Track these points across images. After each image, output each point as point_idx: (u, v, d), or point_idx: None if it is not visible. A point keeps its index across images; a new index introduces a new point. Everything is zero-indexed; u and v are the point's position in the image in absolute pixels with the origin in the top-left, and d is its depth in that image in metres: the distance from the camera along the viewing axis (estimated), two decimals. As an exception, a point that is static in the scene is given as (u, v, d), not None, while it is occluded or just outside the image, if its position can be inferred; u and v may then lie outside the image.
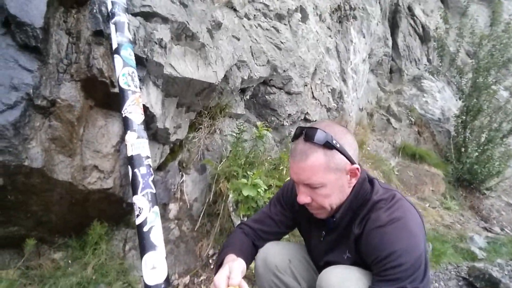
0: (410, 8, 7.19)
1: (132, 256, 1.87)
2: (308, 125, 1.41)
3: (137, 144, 1.28)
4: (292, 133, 3.26)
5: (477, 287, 2.62)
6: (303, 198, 1.07)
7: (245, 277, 1.23)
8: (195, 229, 2.25)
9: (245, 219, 2.22)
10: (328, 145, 1.01)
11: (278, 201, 1.36)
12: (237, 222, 2.18)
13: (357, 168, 1.07)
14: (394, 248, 0.96)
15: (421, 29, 7.35)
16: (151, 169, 1.28)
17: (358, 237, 1.08)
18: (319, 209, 1.10)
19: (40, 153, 1.40)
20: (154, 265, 1.12)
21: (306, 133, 1.03)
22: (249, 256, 1.26)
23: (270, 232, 1.33)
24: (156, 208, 1.22)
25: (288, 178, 2.61)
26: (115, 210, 1.78)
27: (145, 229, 1.15)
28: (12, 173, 1.34)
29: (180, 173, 2.32)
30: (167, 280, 1.13)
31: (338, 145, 1.02)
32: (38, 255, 1.64)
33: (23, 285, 1.45)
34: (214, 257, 2.18)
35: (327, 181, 1.03)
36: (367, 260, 1.05)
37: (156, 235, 1.17)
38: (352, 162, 1.05)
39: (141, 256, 1.15)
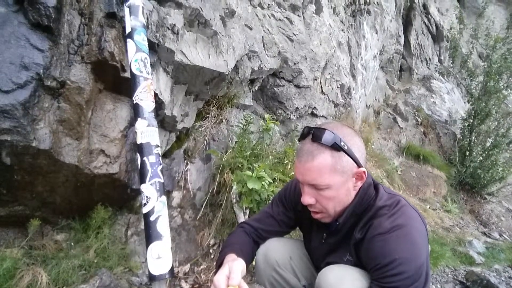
0: (425, 6, 7.05)
1: (134, 241, 1.88)
2: (316, 124, 1.37)
3: (147, 132, 1.26)
4: (299, 127, 3.25)
5: (474, 292, 2.63)
6: (307, 199, 1.05)
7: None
8: (197, 218, 2.26)
9: (247, 211, 2.22)
10: (336, 147, 0.98)
11: (280, 200, 1.34)
12: (239, 213, 2.18)
13: (364, 172, 1.04)
14: (395, 256, 0.94)
15: (434, 28, 7.22)
16: (160, 158, 1.27)
17: (359, 242, 1.07)
18: (322, 212, 1.08)
19: (48, 135, 1.39)
20: (160, 255, 1.12)
21: (314, 133, 1.01)
22: (250, 256, 1.25)
23: (272, 231, 1.32)
24: (164, 198, 1.21)
25: (292, 173, 2.60)
26: (120, 195, 1.78)
27: (152, 218, 1.14)
28: (20, 153, 1.33)
29: (185, 161, 2.31)
30: (172, 270, 1.13)
31: (346, 147, 0.99)
32: (42, 236, 1.65)
33: (26, 264, 1.46)
34: (215, 247, 2.19)
35: (332, 183, 1.01)
36: (367, 266, 1.04)
37: (163, 225, 1.16)
38: (359, 165, 1.03)
39: (147, 246, 1.14)
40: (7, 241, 1.55)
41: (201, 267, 2.07)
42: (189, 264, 2.05)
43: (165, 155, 2.15)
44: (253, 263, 1.33)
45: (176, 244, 2.07)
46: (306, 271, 1.31)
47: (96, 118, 1.60)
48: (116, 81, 1.62)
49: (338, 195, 1.04)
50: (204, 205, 2.29)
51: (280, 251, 1.29)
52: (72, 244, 1.69)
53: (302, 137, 1.07)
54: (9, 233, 1.58)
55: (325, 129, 1.00)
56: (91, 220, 1.71)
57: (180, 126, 2.12)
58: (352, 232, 1.09)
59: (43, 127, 1.37)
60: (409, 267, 0.94)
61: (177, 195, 2.21)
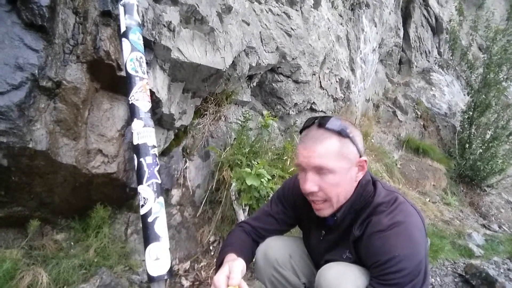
0: (424, -2, 6.98)
1: (134, 240, 1.88)
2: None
3: (144, 132, 1.25)
4: (298, 122, 3.24)
5: (473, 285, 2.64)
6: (311, 186, 1.02)
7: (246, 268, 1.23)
8: (197, 216, 2.26)
9: (247, 208, 2.22)
10: (343, 133, 1.01)
11: (279, 199, 1.34)
12: (238, 210, 2.18)
13: (365, 161, 1.06)
14: (395, 253, 0.95)
15: (434, 20, 7.16)
16: (157, 158, 1.26)
17: (358, 239, 1.07)
18: (325, 201, 1.06)
19: (45, 136, 1.38)
20: (158, 256, 1.12)
21: (321, 120, 1.03)
22: (250, 255, 1.26)
23: (271, 230, 1.32)
24: (161, 199, 1.20)
25: (292, 169, 2.60)
26: (118, 194, 1.78)
27: (149, 219, 1.14)
28: (16, 154, 1.33)
29: (184, 159, 2.30)
30: (170, 271, 1.13)
31: (351, 135, 1.02)
32: (41, 236, 1.65)
33: (26, 265, 1.46)
34: (215, 244, 2.20)
35: (338, 169, 1.00)
36: (367, 263, 1.05)
37: (161, 226, 1.16)
38: (361, 155, 1.05)
39: (145, 247, 1.15)
40: (7, 242, 1.55)
41: (201, 264, 2.08)
42: (189, 262, 2.06)
43: (164, 153, 2.15)
44: (253, 261, 1.33)
45: (176, 242, 2.08)
46: (306, 269, 1.31)
47: (93, 117, 1.59)
48: (112, 80, 1.61)
49: (342, 182, 1.03)
50: (203, 203, 2.29)
51: (280, 250, 1.29)
52: (72, 243, 1.69)
53: (306, 126, 1.07)
54: (9, 234, 1.58)
55: (331, 116, 1.03)
56: (91, 220, 1.72)
57: (178, 124, 2.11)
58: (351, 229, 1.09)
59: (39, 128, 1.37)
60: (408, 264, 0.95)
61: (176, 193, 2.21)
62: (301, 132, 1.10)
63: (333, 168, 1.00)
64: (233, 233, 1.31)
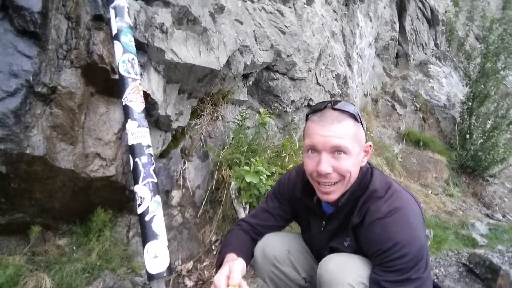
0: (419, -10, 6.96)
1: (135, 242, 1.89)
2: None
3: (138, 133, 1.26)
4: (295, 119, 3.24)
5: (477, 273, 2.64)
6: (326, 167, 1.00)
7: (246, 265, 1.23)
8: (198, 216, 2.27)
9: (247, 206, 2.23)
10: (357, 117, 1.03)
11: (274, 195, 1.35)
12: (239, 209, 2.19)
13: (370, 146, 1.09)
14: (396, 239, 0.96)
15: (429, 12, 7.14)
16: (152, 158, 1.27)
17: (357, 226, 1.08)
18: (335, 183, 1.05)
19: (42, 141, 1.39)
20: (156, 254, 1.13)
21: (335, 103, 1.05)
22: (249, 254, 1.27)
23: (269, 226, 1.33)
24: (158, 198, 1.21)
25: (290, 166, 2.60)
26: (118, 197, 1.79)
27: (147, 218, 1.15)
28: (14, 161, 1.34)
29: (183, 160, 2.31)
30: (169, 269, 1.14)
31: (362, 120, 1.05)
32: (44, 242, 1.67)
33: (30, 270, 1.48)
34: (217, 244, 2.20)
35: (352, 150, 1.02)
36: (368, 251, 1.05)
37: (158, 224, 1.17)
38: (366, 140, 1.08)
39: (143, 245, 1.16)
40: (9, 248, 1.56)
41: (204, 263, 2.08)
42: (192, 262, 2.06)
43: (162, 155, 2.16)
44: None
45: (178, 243, 2.09)
46: (305, 264, 1.31)
47: (90, 121, 1.60)
48: (107, 84, 1.62)
49: (355, 165, 1.05)
50: (204, 203, 2.30)
51: (278, 246, 1.29)
52: (74, 248, 1.70)
53: (318, 109, 1.07)
54: (11, 241, 1.59)
55: (341, 100, 1.08)
56: (92, 224, 1.73)
57: (175, 125, 2.12)
58: (350, 216, 1.10)
59: (36, 133, 1.38)
60: (411, 249, 0.95)
61: (176, 194, 2.22)
62: (308, 115, 1.11)
63: (350, 150, 1.01)
64: (231, 232, 1.32)
